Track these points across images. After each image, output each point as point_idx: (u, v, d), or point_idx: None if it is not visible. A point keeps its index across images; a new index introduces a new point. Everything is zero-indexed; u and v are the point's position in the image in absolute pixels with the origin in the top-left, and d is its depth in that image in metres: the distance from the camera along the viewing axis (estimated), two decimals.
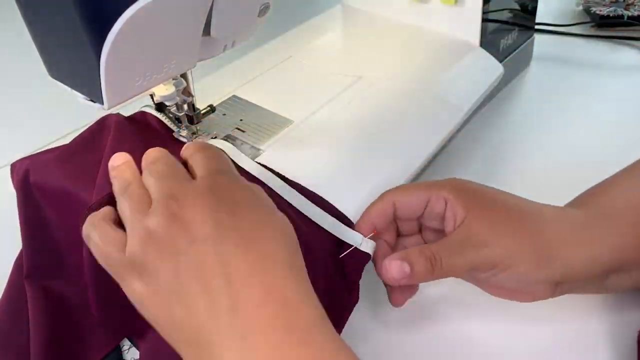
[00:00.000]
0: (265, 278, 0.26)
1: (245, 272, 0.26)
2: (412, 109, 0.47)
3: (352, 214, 0.37)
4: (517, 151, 0.52)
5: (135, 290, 0.27)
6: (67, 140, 0.42)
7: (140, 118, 0.41)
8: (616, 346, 0.34)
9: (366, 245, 0.34)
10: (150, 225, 0.27)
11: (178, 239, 0.26)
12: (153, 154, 0.31)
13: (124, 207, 0.29)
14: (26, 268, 0.37)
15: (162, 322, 0.27)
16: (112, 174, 0.31)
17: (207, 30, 0.30)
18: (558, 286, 0.32)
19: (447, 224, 0.33)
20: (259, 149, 0.42)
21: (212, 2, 0.28)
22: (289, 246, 0.28)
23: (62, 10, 0.24)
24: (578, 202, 0.36)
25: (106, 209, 0.30)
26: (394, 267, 0.31)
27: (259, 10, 0.33)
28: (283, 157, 0.41)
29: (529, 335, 0.36)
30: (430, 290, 0.38)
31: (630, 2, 0.73)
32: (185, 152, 0.32)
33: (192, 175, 0.30)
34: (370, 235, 0.34)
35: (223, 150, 0.33)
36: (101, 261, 0.29)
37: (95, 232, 0.29)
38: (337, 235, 0.34)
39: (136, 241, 0.27)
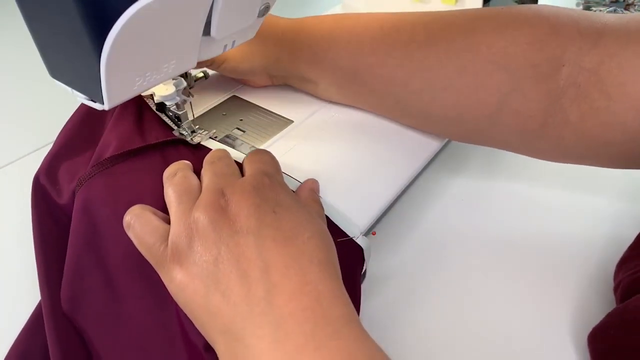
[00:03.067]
0: (300, 272, 0.27)
1: (281, 265, 0.27)
2: None
3: (353, 214, 0.37)
4: None
5: (174, 278, 0.28)
6: None
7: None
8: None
9: (361, 240, 0.35)
10: (197, 216, 0.28)
11: (222, 230, 0.28)
12: (217, 154, 0.34)
13: (170, 195, 0.31)
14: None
15: (197, 309, 0.28)
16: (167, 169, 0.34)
17: (207, 30, 0.30)
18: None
19: None
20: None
21: (212, 2, 0.28)
22: (325, 248, 0.29)
23: (63, 10, 0.24)
24: None
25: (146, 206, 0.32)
26: None
27: (259, 10, 0.33)
28: (283, 157, 0.41)
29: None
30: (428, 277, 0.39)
31: (630, 2, 0.73)
32: (246, 157, 0.35)
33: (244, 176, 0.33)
34: (366, 233, 0.35)
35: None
36: (142, 250, 0.30)
37: (138, 221, 0.30)
38: (337, 223, 0.35)
39: (182, 229, 0.28)
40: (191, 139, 0.40)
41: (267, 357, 0.24)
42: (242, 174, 0.34)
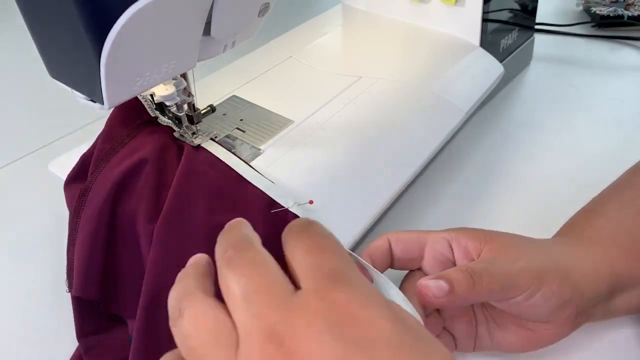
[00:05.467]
0: None
1: None
2: (412, 109, 0.47)
3: (353, 213, 0.37)
4: (517, 151, 0.52)
5: None
6: (66, 141, 0.42)
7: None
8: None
9: (296, 209, 0.35)
10: None
11: None
12: (234, 236, 0.22)
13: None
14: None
15: None
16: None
17: (207, 30, 0.30)
18: (577, 315, 0.31)
19: (458, 257, 0.32)
20: (259, 149, 0.42)
21: (212, 2, 0.28)
22: None
23: (63, 11, 0.24)
24: (566, 231, 0.36)
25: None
26: (432, 285, 0.28)
27: (259, 10, 0.33)
28: (283, 157, 0.41)
29: None
30: None
31: (630, 2, 0.73)
32: (284, 235, 0.23)
33: (291, 277, 0.21)
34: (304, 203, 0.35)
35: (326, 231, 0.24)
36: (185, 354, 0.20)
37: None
38: (272, 197, 0.36)
39: None
40: (192, 140, 0.40)
41: None
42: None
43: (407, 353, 0.18)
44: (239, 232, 0.22)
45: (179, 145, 0.40)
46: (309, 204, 0.36)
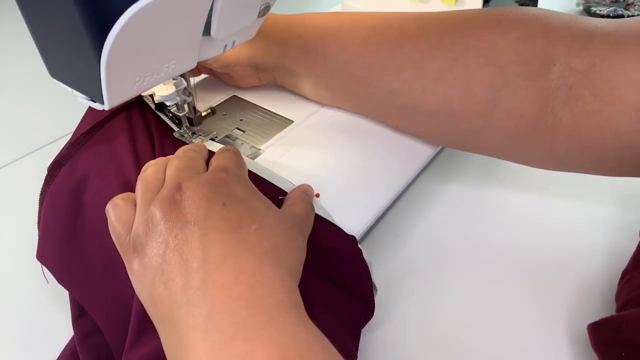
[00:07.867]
0: (238, 261, 0.26)
1: (220, 255, 0.27)
2: None
3: (354, 213, 0.37)
4: None
5: (133, 269, 0.29)
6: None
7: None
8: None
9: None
10: (153, 209, 0.29)
11: (172, 222, 0.28)
12: (186, 147, 0.34)
13: (138, 189, 0.31)
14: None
15: (146, 299, 0.28)
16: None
17: (207, 30, 0.30)
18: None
19: None
20: (259, 149, 0.42)
21: (212, 2, 0.28)
22: (274, 239, 0.29)
23: (63, 10, 0.24)
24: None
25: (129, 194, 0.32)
26: None
27: (259, 10, 0.33)
28: (283, 157, 0.41)
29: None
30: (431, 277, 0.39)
31: (630, 2, 0.73)
32: (217, 151, 0.35)
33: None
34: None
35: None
36: (113, 238, 0.31)
37: (113, 209, 0.31)
38: (278, 185, 0.37)
39: (140, 223, 0.29)
40: (192, 140, 0.40)
41: (198, 348, 0.24)
42: None
43: (247, 204, 0.30)
44: (191, 146, 0.35)
45: (150, 133, 0.40)
46: (315, 197, 0.37)
